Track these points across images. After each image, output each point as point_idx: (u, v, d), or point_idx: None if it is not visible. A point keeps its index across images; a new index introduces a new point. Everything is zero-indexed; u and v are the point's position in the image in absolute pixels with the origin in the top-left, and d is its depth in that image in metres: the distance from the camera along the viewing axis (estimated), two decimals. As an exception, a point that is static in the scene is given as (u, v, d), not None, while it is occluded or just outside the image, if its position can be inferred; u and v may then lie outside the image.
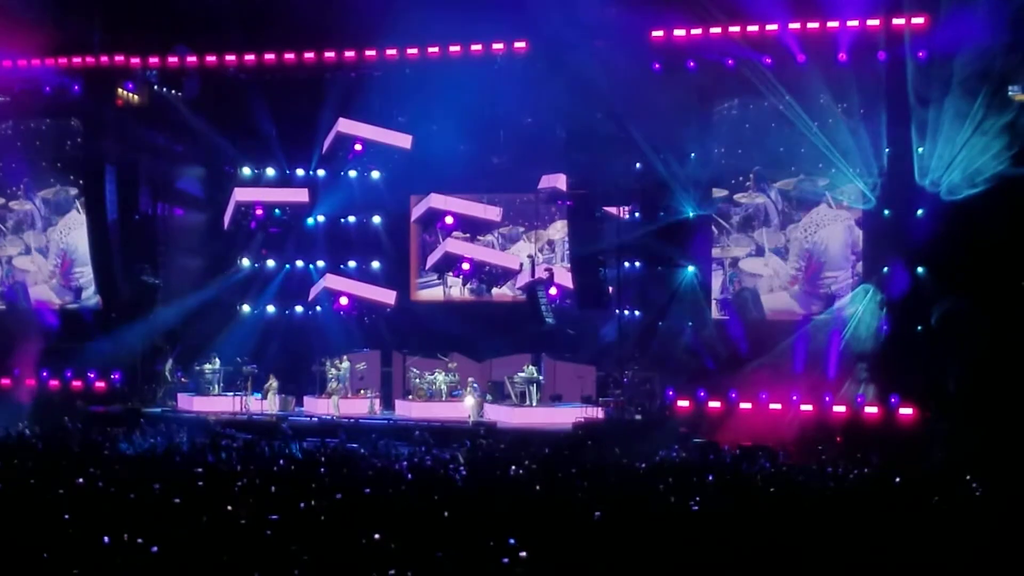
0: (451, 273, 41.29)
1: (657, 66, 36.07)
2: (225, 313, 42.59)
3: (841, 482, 26.60)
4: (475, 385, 38.73)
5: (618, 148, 36.46)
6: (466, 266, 40.55)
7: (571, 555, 18.09)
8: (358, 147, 40.88)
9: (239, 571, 17.43)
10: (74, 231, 42.24)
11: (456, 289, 42.12)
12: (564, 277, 38.71)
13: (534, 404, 38.44)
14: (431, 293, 42.91)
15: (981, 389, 32.55)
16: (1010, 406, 31.93)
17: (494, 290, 41.71)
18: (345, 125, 40.68)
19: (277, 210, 41.97)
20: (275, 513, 20.63)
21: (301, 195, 42.30)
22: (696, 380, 36.31)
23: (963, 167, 32.90)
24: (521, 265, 40.19)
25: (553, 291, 38.69)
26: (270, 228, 42.44)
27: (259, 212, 41.88)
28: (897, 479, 25.91)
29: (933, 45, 33.08)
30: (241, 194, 41.96)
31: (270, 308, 43.06)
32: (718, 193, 36.97)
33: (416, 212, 41.95)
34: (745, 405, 35.55)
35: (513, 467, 27.55)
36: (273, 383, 39.74)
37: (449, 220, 40.96)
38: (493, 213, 41.31)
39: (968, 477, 25.52)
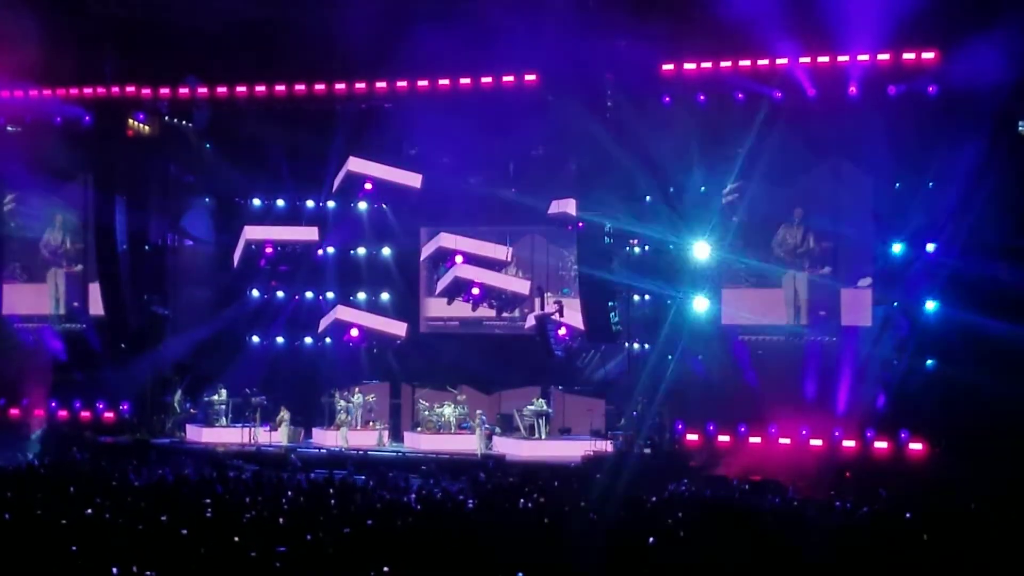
0: (461, 298, 41.17)
1: (667, 99, 36.09)
2: (234, 344, 42.65)
3: (851, 517, 26.49)
4: (483, 417, 38.69)
5: (628, 180, 36.43)
6: (476, 291, 40.45)
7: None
8: (368, 186, 40.99)
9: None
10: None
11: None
12: (573, 315, 38.55)
13: (543, 437, 38.39)
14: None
15: (992, 425, 32.42)
16: (1020, 442, 31.82)
17: (504, 319, 41.66)
18: (355, 164, 40.82)
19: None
20: (283, 545, 20.57)
21: (311, 233, 42.42)
22: (705, 414, 36.21)
23: (972, 205, 32.88)
24: (531, 290, 40.25)
25: (562, 331, 38.63)
26: (280, 267, 42.49)
27: (269, 250, 41.93)
28: (907, 515, 25.80)
29: (943, 80, 33.06)
30: (251, 232, 42.06)
31: (279, 339, 43.08)
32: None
33: (426, 251, 42.00)
34: (755, 439, 35.48)
35: (522, 500, 27.47)
36: (285, 415, 39.72)
37: (459, 260, 40.88)
38: (503, 253, 41.28)
39: (977, 512, 25.42)
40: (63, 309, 42.38)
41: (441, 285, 41.17)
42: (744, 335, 36.60)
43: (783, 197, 36.16)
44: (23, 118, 41.27)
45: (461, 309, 41.79)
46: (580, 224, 37.79)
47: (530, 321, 40.02)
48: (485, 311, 41.39)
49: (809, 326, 36.14)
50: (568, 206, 38.39)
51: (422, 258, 42.48)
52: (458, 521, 24.54)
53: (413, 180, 40.93)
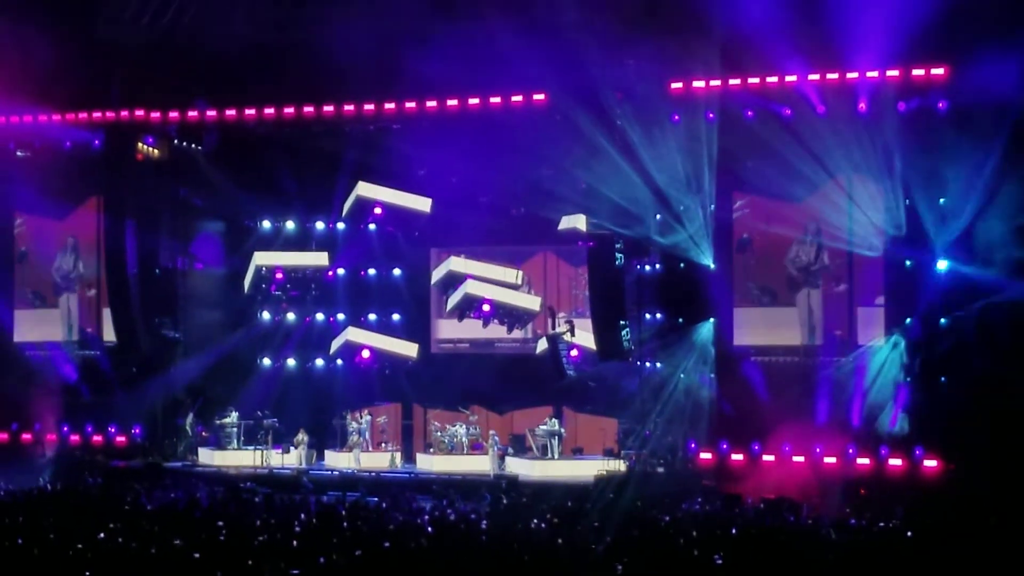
0: (471, 315, 41.09)
1: (676, 117, 36.06)
2: (245, 367, 42.64)
3: (866, 535, 26.41)
4: (496, 438, 38.65)
5: (638, 199, 36.41)
6: (486, 308, 40.40)
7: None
8: (378, 210, 41.03)
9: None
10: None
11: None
12: (584, 334, 38.46)
13: (556, 457, 38.32)
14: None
15: (1006, 440, 32.33)
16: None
17: (515, 340, 41.64)
18: (365, 189, 40.88)
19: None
20: (296, 568, 20.53)
21: (321, 259, 42.43)
22: (719, 432, 36.12)
23: (984, 220, 32.82)
24: (542, 307, 40.29)
25: (574, 353, 38.58)
26: (291, 292, 42.50)
27: (279, 276, 41.95)
28: (921, 531, 25.73)
29: (954, 96, 33.01)
30: (261, 258, 42.05)
31: (290, 361, 43.05)
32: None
33: (436, 275, 42.02)
34: (768, 457, 35.37)
35: (535, 520, 27.39)
36: (303, 436, 39.70)
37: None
38: (513, 276, 41.26)
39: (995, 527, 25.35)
40: (75, 335, 42.33)
41: (451, 302, 41.08)
42: (757, 356, 36.47)
43: (795, 213, 36.08)
44: (32, 142, 41.30)
45: (472, 330, 41.80)
46: (592, 242, 37.69)
47: (542, 345, 39.97)
48: (496, 332, 41.43)
49: (824, 346, 35.97)
50: (578, 221, 38.41)
51: (432, 282, 42.48)
52: (471, 542, 24.48)
53: (423, 205, 41.02)
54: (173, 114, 40.05)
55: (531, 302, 40.87)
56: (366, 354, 41.25)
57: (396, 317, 43.01)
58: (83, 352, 42.03)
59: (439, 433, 39.97)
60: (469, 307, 40.68)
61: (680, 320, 37.48)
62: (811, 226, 35.99)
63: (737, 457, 35.85)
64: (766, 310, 36.78)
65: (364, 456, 39.43)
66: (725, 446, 35.99)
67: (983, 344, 32.76)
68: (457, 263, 41.06)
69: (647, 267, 38.10)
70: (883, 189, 34.66)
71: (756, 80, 35.16)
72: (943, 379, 33.94)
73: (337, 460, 39.78)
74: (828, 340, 35.96)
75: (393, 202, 41.05)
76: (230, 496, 32.50)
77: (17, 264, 43.10)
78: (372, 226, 42.21)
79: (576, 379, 39.06)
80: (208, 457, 40.32)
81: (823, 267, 36.10)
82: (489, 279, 41.07)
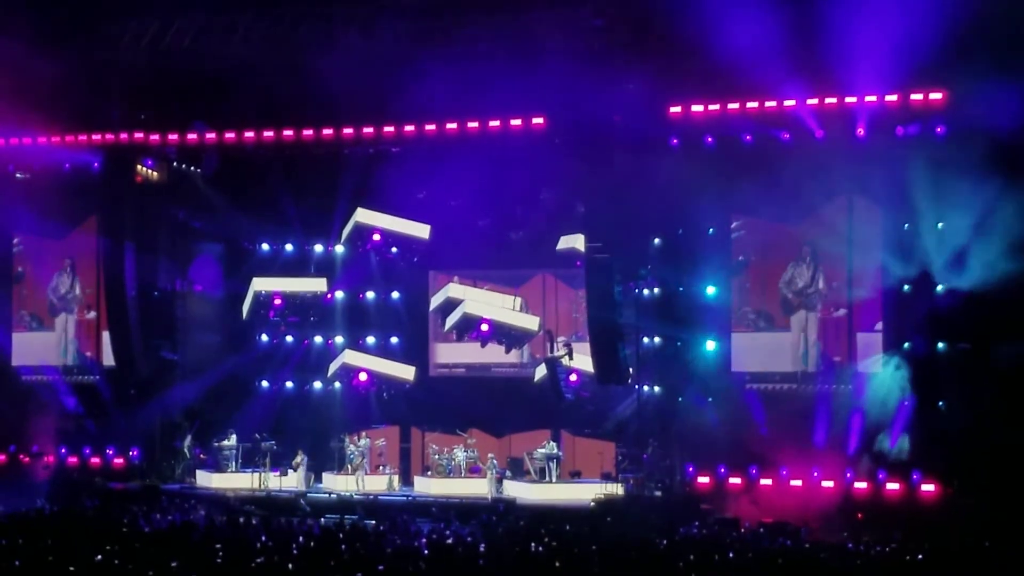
0: (469, 335, 41.06)
1: (675, 141, 36.13)
2: (244, 389, 42.63)
3: (864, 559, 26.41)
4: (494, 461, 38.64)
5: (636, 222, 36.46)
6: (485, 327, 40.36)
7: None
8: (376, 237, 41.02)
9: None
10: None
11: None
12: (583, 358, 38.44)
13: (554, 480, 38.29)
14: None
15: (1004, 464, 32.34)
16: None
17: (513, 365, 41.65)
18: (363, 215, 40.90)
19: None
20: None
21: (319, 284, 42.43)
22: (716, 456, 36.10)
23: (982, 246, 32.86)
24: (541, 330, 40.34)
25: (573, 377, 38.58)
26: (289, 318, 42.49)
27: (278, 302, 41.94)
28: (920, 556, 25.73)
29: (952, 121, 33.06)
30: (260, 284, 42.04)
31: (288, 384, 43.05)
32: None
33: (435, 301, 42.07)
34: (766, 481, 35.37)
35: (533, 544, 27.38)
36: (301, 458, 39.65)
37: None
38: (511, 303, 41.28)
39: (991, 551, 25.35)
40: (71, 357, 42.37)
41: (450, 322, 41.03)
42: (753, 383, 36.46)
43: (791, 236, 36.15)
44: (32, 164, 41.37)
45: (469, 355, 41.87)
46: (589, 262, 37.58)
47: (540, 372, 39.92)
48: (493, 356, 41.43)
49: (822, 372, 35.96)
50: (576, 241, 38.41)
51: (431, 308, 42.49)
52: (469, 565, 24.47)
53: (421, 231, 41.06)
54: (172, 136, 40.05)
55: (529, 322, 40.85)
56: (363, 377, 41.22)
57: (394, 340, 42.98)
58: (80, 377, 42.07)
59: (437, 456, 39.95)
60: (467, 327, 40.59)
61: (678, 343, 37.51)
62: (806, 248, 36.05)
63: (735, 481, 35.83)
64: (762, 335, 36.79)
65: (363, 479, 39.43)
66: (723, 470, 35.98)
67: (981, 368, 32.79)
68: (456, 289, 41.11)
69: (645, 290, 38.09)
70: (881, 213, 34.73)
71: (755, 104, 35.20)
72: (941, 404, 33.93)
73: (335, 483, 39.73)
74: (826, 366, 35.97)
75: (392, 229, 41.07)
76: (228, 519, 32.46)
77: (15, 285, 43.15)
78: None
79: (574, 403, 39.04)
80: (206, 479, 40.28)
81: (818, 291, 36.13)
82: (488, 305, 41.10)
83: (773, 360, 36.61)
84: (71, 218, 42.16)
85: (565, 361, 38.27)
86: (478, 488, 38.45)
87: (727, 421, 35.93)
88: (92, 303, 42.19)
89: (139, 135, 40.03)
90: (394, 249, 41.71)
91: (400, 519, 33.08)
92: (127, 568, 23.16)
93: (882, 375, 34.67)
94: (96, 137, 40.25)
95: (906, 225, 34.43)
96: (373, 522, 32.93)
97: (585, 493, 37.20)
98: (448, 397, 41.81)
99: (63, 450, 41.15)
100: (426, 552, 26.03)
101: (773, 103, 34.98)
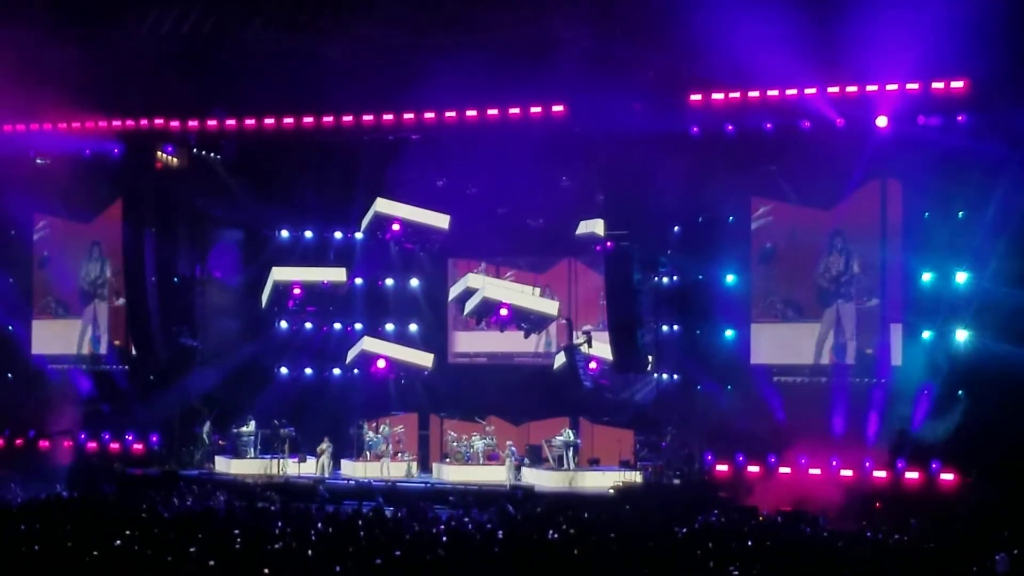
0: (488, 319, 41.00)
1: (695, 129, 36.01)
2: (263, 376, 42.67)
3: (882, 547, 26.35)
4: (512, 449, 38.63)
5: (655, 211, 36.41)
6: (504, 312, 40.21)
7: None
8: (396, 227, 40.85)
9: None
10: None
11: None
12: (603, 346, 38.36)
13: (572, 468, 38.27)
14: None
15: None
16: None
17: (532, 354, 41.61)
18: (383, 205, 40.75)
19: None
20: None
21: (339, 274, 42.37)
22: (735, 444, 36.07)
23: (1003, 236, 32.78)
24: (560, 316, 40.33)
25: (592, 365, 38.50)
26: (308, 308, 42.44)
27: (297, 291, 41.86)
28: (938, 544, 25.68)
29: (973, 109, 32.93)
30: (279, 274, 42.00)
31: (308, 371, 43.08)
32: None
33: (454, 292, 41.91)
34: (784, 469, 35.31)
35: (551, 531, 27.37)
36: (326, 445, 39.67)
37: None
38: (531, 292, 41.17)
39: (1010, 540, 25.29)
40: (89, 347, 42.50)
41: (469, 307, 40.85)
42: (778, 375, 36.36)
43: (819, 221, 36.03)
44: (52, 150, 41.39)
45: (489, 343, 41.93)
46: (609, 244, 37.43)
47: (559, 360, 39.79)
48: (513, 345, 41.42)
49: (852, 365, 35.86)
50: (596, 226, 38.32)
51: (450, 298, 42.40)
52: (487, 552, 24.46)
53: (441, 221, 40.91)
54: (192, 123, 40.10)
55: (548, 306, 40.62)
56: (382, 364, 41.18)
57: (413, 327, 42.98)
58: (101, 366, 42.18)
59: (455, 443, 39.96)
60: (487, 311, 40.39)
61: (698, 332, 37.46)
62: (837, 238, 35.92)
63: (753, 469, 35.79)
64: (786, 325, 36.67)
65: (380, 465, 39.44)
66: (741, 458, 35.95)
67: (1001, 358, 32.69)
68: (475, 280, 40.96)
69: (665, 278, 38.03)
70: (903, 201, 34.63)
71: (775, 93, 35.09)
72: (960, 392, 33.82)
73: (354, 469, 39.75)
74: (857, 358, 35.83)
75: (411, 218, 40.94)
76: (247, 504, 32.50)
77: (38, 271, 43.24)
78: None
79: (593, 390, 38.99)
80: (225, 465, 40.36)
81: (854, 276, 35.95)
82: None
83: (795, 351, 36.49)
84: (96, 203, 42.32)
85: (584, 349, 38.21)
86: (496, 475, 38.47)
87: (745, 409, 35.86)
88: (121, 289, 42.26)
89: (159, 121, 40.06)
90: (413, 242, 41.60)
91: (418, 506, 33.08)
92: (146, 553, 23.19)
93: (905, 366, 34.58)
94: (117, 123, 40.29)
95: (927, 214, 34.31)
96: (392, 508, 32.90)
97: (603, 481, 37.24)
98: (467, 385, 41.84)
99: (83, 435, 41.22)
100: (444, 539, 26.02)
101: (794, 91, 34.87)
